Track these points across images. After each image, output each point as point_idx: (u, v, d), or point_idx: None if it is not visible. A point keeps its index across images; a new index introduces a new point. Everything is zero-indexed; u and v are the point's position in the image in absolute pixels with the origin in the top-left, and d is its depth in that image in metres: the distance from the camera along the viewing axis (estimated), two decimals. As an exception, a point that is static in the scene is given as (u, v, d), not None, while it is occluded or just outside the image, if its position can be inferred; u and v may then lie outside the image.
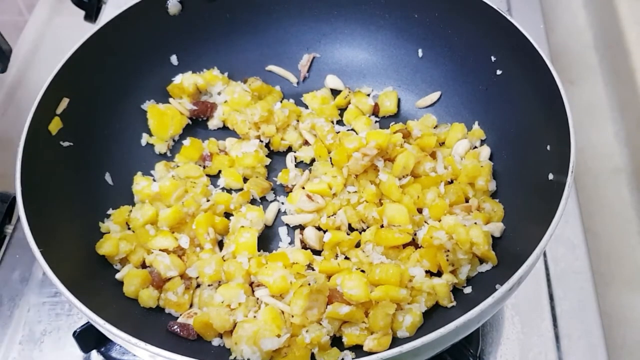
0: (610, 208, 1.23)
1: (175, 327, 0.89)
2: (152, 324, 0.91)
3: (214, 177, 1.12)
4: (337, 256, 0.98)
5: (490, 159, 1.05)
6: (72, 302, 0.77)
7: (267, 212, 1.04)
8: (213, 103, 1.17)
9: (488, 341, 1.00)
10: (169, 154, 1.14)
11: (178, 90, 1.16)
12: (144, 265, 0.97)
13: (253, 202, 1.08)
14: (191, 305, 0.94)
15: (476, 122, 1.08)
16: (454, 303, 0.90)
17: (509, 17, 0.99)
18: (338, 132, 1.12)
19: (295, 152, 1.13)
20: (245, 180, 1.09)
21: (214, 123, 1.17)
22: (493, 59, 1.05)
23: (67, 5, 1.31)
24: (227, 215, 1.05)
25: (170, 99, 1.16)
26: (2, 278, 1.10)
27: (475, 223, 0.94)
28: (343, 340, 0.87)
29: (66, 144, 1.00)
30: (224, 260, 0.95)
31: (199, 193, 1.05)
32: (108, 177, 1.06)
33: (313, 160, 1.11)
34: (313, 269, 0.95)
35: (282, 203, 1.08)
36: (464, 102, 1.12)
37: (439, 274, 0.93)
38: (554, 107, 0.89)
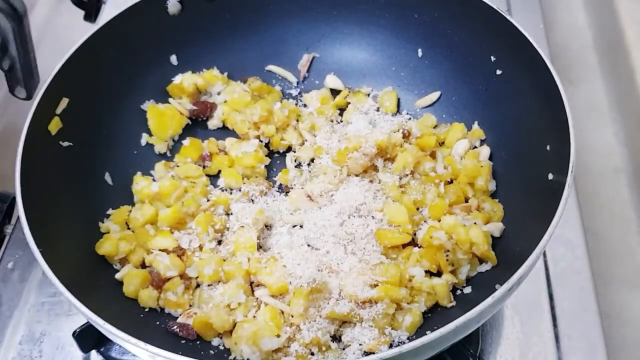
0: (610, 208, 1.23)
1: (175, 327, 0.89)
2: (152, 324, 0.91)
3: (213, 177, 1.12)
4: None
5: (490, 159, 1.05)
6: (72, 302, 0.77)
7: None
8: (213, 103, 1.17)
9: (488, 341, 1.00)
10: (168, 154, 1.14)
11: (178, 90, 1.16)
12: (143, 265, 0.97)
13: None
14: (191, 305, 0.94)
15: (476, 122, 1.08)
16: (454, 303, 0.90)
17: (508, 17, 0.99)
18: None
19: (295, 152, 1.13)
20: (245, 180, 1.09)
21: (213, 123, 1.17)
22: (493, 59, 1.04)
23: (67, 5, 1.31)
24: (227, 215, 1.05)
25: (170, 99, 1.16)
26: (2, 278, 1.10)
27: (475, 223, 0.94)
28: (343, 340, 0.87)
29: (66, 144, 1.00)
30: (224, 260, 0.95)
31: (199, 193, 1.05)
32: (108, 177, 1.06)
33: (313, 160, 1.11)
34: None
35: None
36: (463, 102, 1.12)
37: (438, 274, 0.93)
38: (554, 107, 0.89)
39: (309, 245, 0.99)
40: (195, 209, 1.02)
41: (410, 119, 1.15)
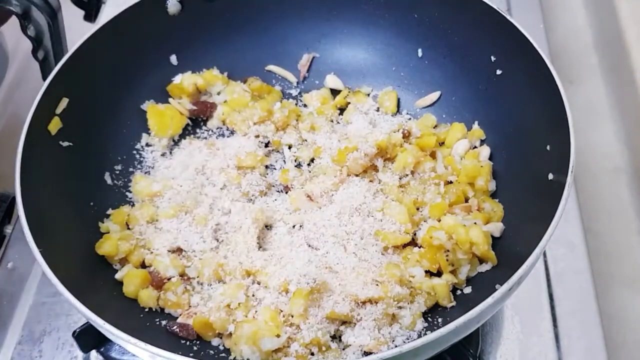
0: (610, 208, 1.23)
1: (175, 327, 0.89)
2: (152, 324, 0.91)
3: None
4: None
5: (490, 159, 1.05)
6: (72, 302, 0.77)
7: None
8: (213, 103, 1.17)
9: (488, 341, 1.00)
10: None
11: (178, 90, 1.16)
12: (143, 265, 0.97)
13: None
14: (191, 306, 0.94)
15: (476, 122, 1.08)
16: (454, 303, 0.90)
17: (509, 17, 0.99)
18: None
19: (295, 151, 1.13)
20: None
21: (213, 123, 1.17)
22: (493, 59, 1.04)
23: (67, 5, 1.31)
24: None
25: (170, 99, 1.16)
26: (1, 278, 1.10)
27: (475, 223, 0.94)
28: (343, 340, 0.87)
29: (66, 144, 1.00)
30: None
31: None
32: (108, 177, 1.06)
33: (313, 160, 1.11)
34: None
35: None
36: (464, 102, 1.12)
37: (438, 274, 0.93)
38: (554, 107, 0.89)
39: (309, 245, 0.99)
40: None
41: (410, 119, 1.15)
